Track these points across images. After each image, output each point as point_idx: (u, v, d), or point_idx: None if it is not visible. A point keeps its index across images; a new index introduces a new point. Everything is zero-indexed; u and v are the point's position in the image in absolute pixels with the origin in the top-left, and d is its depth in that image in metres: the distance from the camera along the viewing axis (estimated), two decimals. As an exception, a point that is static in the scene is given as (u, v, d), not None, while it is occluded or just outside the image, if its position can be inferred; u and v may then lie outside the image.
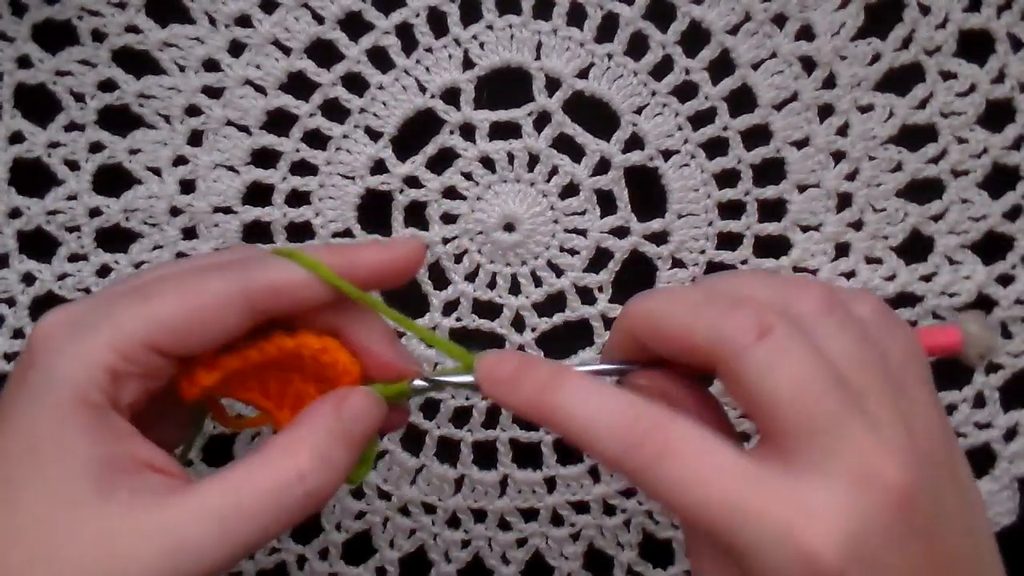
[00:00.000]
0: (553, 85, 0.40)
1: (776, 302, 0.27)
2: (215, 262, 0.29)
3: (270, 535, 0.27)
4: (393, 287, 0.31)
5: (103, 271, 0.42)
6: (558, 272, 0.42)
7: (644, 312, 0.29)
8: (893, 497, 0.25)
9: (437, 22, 0.40)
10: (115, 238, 0.41)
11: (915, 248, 0.41)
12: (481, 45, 0.40)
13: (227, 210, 0.41)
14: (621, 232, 0.41)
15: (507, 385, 0.29)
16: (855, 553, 0.24)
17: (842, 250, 0.41)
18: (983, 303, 0.41)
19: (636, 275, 0.42)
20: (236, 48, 0.40)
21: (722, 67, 0.40)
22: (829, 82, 0.40)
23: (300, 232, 0.41)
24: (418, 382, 0.31)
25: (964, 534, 0.27)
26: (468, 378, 0.30)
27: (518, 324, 0.42)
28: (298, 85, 0.40)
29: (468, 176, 0.41)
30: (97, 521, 0.25)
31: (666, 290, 0.30)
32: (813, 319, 0.27)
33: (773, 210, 0.41)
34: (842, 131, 0.40)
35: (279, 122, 0.41)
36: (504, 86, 0.40)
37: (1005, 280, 0.41)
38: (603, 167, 0.41)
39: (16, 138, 0.41)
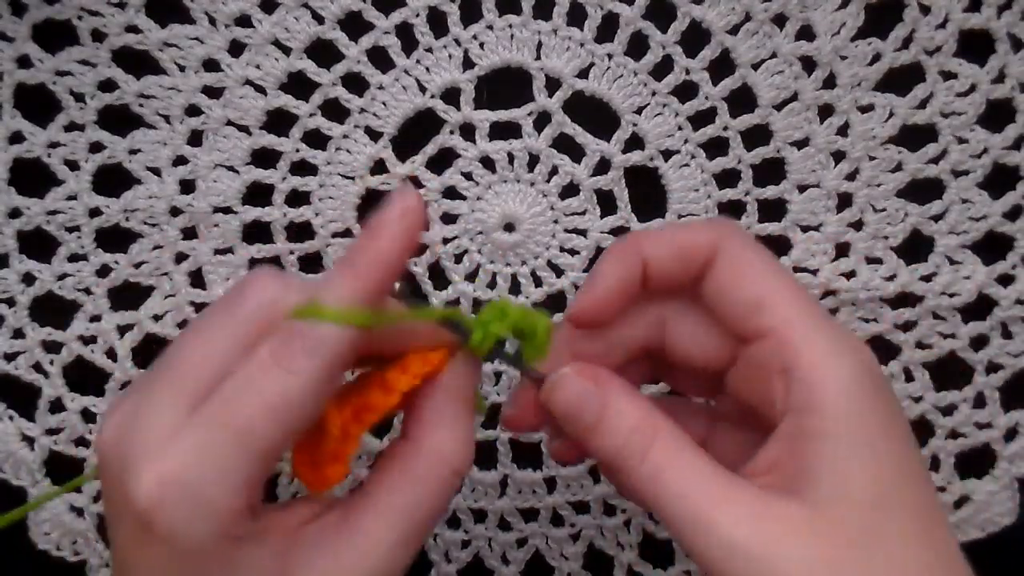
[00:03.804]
0: (553, 85, 0.40)
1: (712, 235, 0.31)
2: (274, 360, 0.28)
3: (432, 532, 0.30)
4: (411, 256, 0.31)
5: (103, 271, 0.42)
6: (558, 272, 0.42)
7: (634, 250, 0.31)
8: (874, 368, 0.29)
9: (437, 22, 0.40)
10: (115, 238, 0.41)
11: (915, 248, 0.41)
12: (481, 45, 0.40)
13: (227, 210, 0.41)
14: (621, 232, 0.41)
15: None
16: (879, 369, 0.29)
17: (842, 250, 0.41)
18: (983, 303, 0.41)
19: (636, 275, 0.42)
20: (236, 48, 0.40)
21: (722, 67, 0.40)
22: (829, 82, 0.40)
23: (300, 232, 0.41)
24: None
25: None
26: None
27: (518, 324, 0.42)
28: (298, 85, 0.40)
29: (468, 176, 0.41)
30: None
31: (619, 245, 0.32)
32: (744, 247, 0.31)
33: (773, 210, 0.41)
34: (842, 131, 0.40)
35: (279, 122, 0.41)
36: (504, 86, 0.40)
37: (1005, 280, 0.41)
38: (603, 167, 0.41)
39: (16, 138, 0.41)
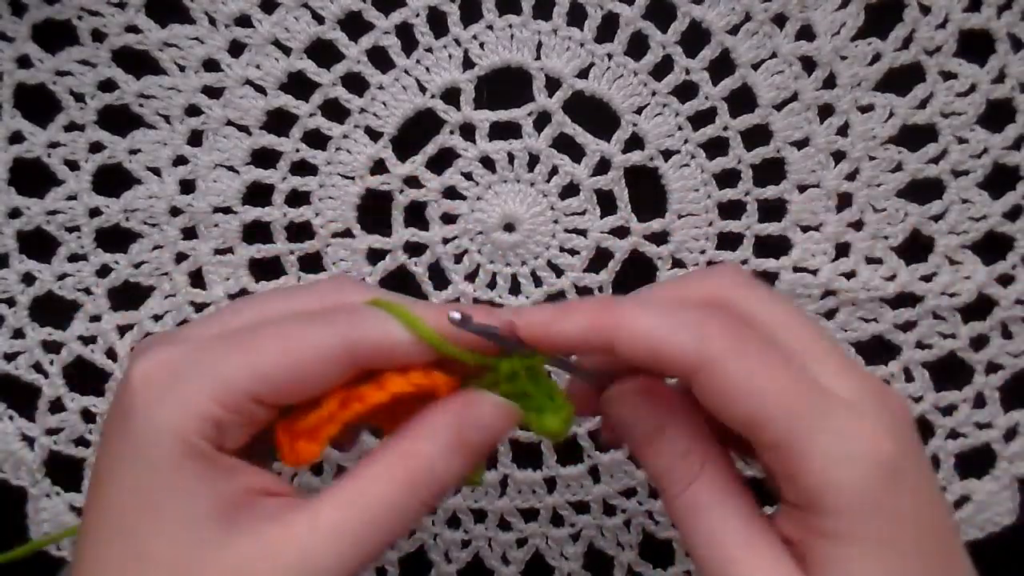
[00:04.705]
0: (553, 85, 0.40)
1: (702, 293, 0.29)
2: (318, 311, 0.29)
3: (388, 545, 0.27)
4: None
5: (103, 271, 0.42)
6: (558, 272, 0.42)
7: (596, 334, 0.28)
8: (885, 457, 0.26)
9: (437, 22, 0.40)
10: (115, 238, 0.41)
11: (915, 248, 0.41)
12: (481, 45, 0.40)
13: (227, 210, 0.41)
14: (621, 232, 0.41)
15: (551, 324, 0.28)
16: (903, 448, 0.26)
17: (842, 250, 0.41)
18: (983, 303, 0.41)
19: (636, 275, 0.42)
20: (236, 48, 0.40)
21: (722, 67, 0.40)
22: (829, 82, 0.40)
23: (300, 232, 0.41)
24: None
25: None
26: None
27: (518, 324, 0.42)
28: (298, 85, 0.40)
29: (468, 176, 0.41)
30: (228, 557, 0.26)
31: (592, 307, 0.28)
32: (744, 298, 0.29)
33: (773, 210, 0.41)
34: (842, 131, 0.40)
35: (279, 122, 0.41)
36: (504, 86, 0.40)
37: (1005, 280, 0.41)
38: (603, 167, 0.41)
39: (16, 138, 0.41)
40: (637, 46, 0.40)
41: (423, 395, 0.29)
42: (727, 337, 0.26)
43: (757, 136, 0.41)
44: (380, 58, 0.40)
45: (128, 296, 0.42)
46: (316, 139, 0.41)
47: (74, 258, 0.41)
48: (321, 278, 0.29)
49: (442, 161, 0.41)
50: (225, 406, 0.27)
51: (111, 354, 0.42)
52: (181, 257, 0.41)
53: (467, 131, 0.41)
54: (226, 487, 0.27)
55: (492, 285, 0.42)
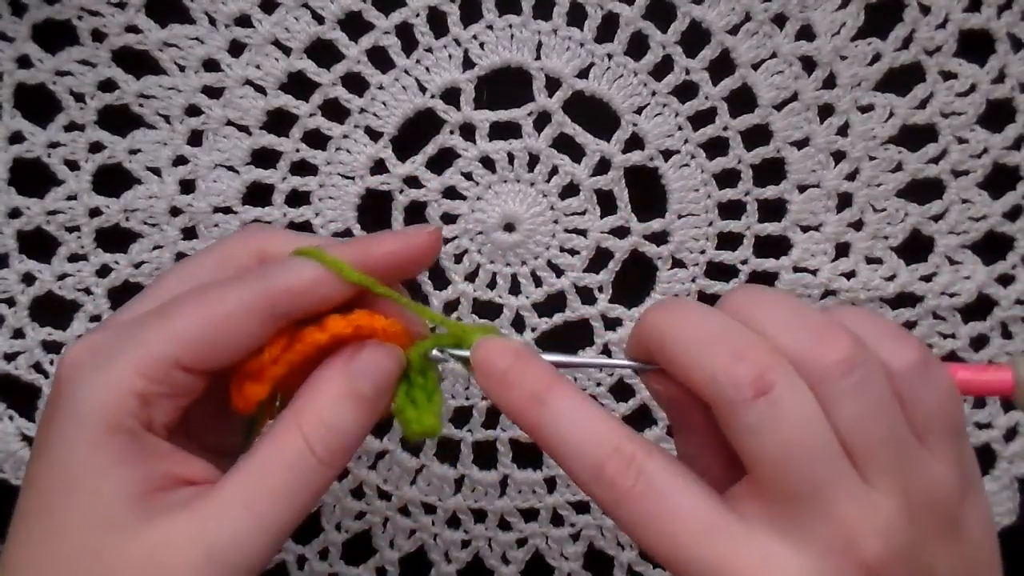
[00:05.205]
0: (553, 85, 0.40)
1: (793, 348, 0.26)
2: (231, 274, 0.29)
3: (300, 510, 0.27)
4: (411, 276, 0.31)
5: (103, 271, 0.42)
6: (558, 272, 0.42)
7: (657, 330, 0.28)
8: (865, 572, 0.24)
9: (437, 22, 0.40)
10: (115, 238, 0.41)
11: (915, 248, 0.41)
12: (481, 45, 0.40)
13: (227, 210, 0.41)
14: (621, 232, 0.41)
15: (499, 383, 0.28)
16: None
17: (842, 250, 0.41)
18: (983, 303, 0.41)
19: (636, 275, 0.42)
20: (236, 48, 0.40)
21: (722, 67, 0.40)
22: (829, 82, 0.40)
23: (300, 232, 0.41)
24: (435, 353, 0.30)
25: None
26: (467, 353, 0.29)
27: (518, 324, 0.42)
28: (298, 85, 0.40)
29: (468, 176, 0.41)
30: (140, 542, 0.26)
31: (683, 308, 0.28)
32: (828, 378, 0.25)
33: (773, 210, 0.41)
34: (842, 131, 0.40)
35: (279, 122, 0.41)
36: (504, 86, 0.40)
37: (1005, 280, 0.41)
38: (603, 167, 0.41)
39: (16, 138, 0.41)
40: (637, 46, 0.40)
41: (366, 336, 0.29)
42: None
43: (757, 136, 0.41)
44: (380, 58, 0.40)
45: (128, 296, 0.41)
46: (316, 139, 0.41)
47: (74, 258, 0.41)
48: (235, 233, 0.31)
49: (442, 161, 0.41)
50: (148, 377, 0.27)
51: (111, 354, 0.42)
52: (181, 257, 0.41)
53: (467, 131, 0.41)
54: (145, 470, 0.27)
55: (492, 285, 0.42)
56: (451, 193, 0.41)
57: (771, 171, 0.41)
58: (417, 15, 0.40)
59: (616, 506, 0.26)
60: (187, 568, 0.26)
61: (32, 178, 0.41)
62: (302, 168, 0.41)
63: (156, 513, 0.26)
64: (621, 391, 0.43)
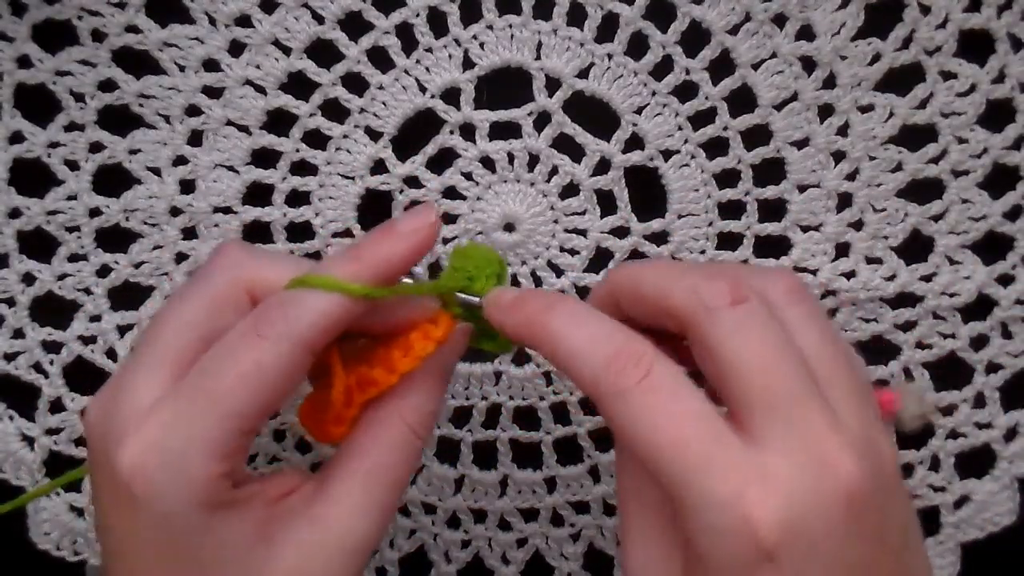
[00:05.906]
0: (553, 85, 0.40)
1: (751, 283, 0.28)
2: (230, 317, 0.30)
3: (402, 487, 0.31)
4: (414, 265, 0.31)
5: (103, 271, 0.42)
6: (558, 272, 0.42)
7: (627, 276, 0.30)
8: (844, 489, 0.25)
9: (437, 22, 0.40)
10: (115, 238, 0.41)
11: (915, 248, 0.41)
12: (481, 45, 0.40)
13: (227, 210, 0.41)
14: (621, 232, 0.41)
15: (507, 309, 0.30)
16: (794, 533, 0.24)
17: (842, 250, 0.41)
18: (983, 303, 0.41)
19: (636, 275, 0.42)
20: (236, 48, 0.40)
21: (722, 67, 0.40)
22: (829, 82, 0.40)
23: (300, 232, 0.41)
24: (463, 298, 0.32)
25: (905, 548, 0.27)
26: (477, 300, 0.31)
27: (518, 324, 0.42)
28: (298, 85, 0.40)
29: (468, 176, 0.41)
30: (277, 565, 0.28)
31: (648, 259, 0.32)
32: (784, 306, 0.28)
33: (773, 210, 0.41)
34: (842, 131, 0.40)
35: (279, 122, 0.41)
36: (504, 86, 0.40)
37: (1005, 280, 0.41)
38: (603, 167, 0.41)
39: (16, 138, 0.41)
40: (637, 46, 0.40)
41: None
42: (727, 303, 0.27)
43: (757, 136, 0.40)
44: (380, 58, 0.40)
45: (128, 296, 0.42)
46: (316, 139, 0.41)
47: (74, 258, 0.41)
48: (212, 252, 0.31)
49: (442, 161, 0.41)
50: (221, 456, 0.28)
51: (111, 354, 0.42)
52: (181, 257, 0.41)
53: (467, 131, 0.41)
54: (253, 513, 0.29)
55: (492, 285, 0.42)
56: (451, 193, 0.41)
57: (771, 171, 0.41)
58: (417, 15, 0.40)
59: (620, 397, 0.26)
60: (331, 570, 0.28)
61: (32, 178, 0.41)
62: (302, 168, 0.41)
63: (278, 537, 0.29)
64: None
